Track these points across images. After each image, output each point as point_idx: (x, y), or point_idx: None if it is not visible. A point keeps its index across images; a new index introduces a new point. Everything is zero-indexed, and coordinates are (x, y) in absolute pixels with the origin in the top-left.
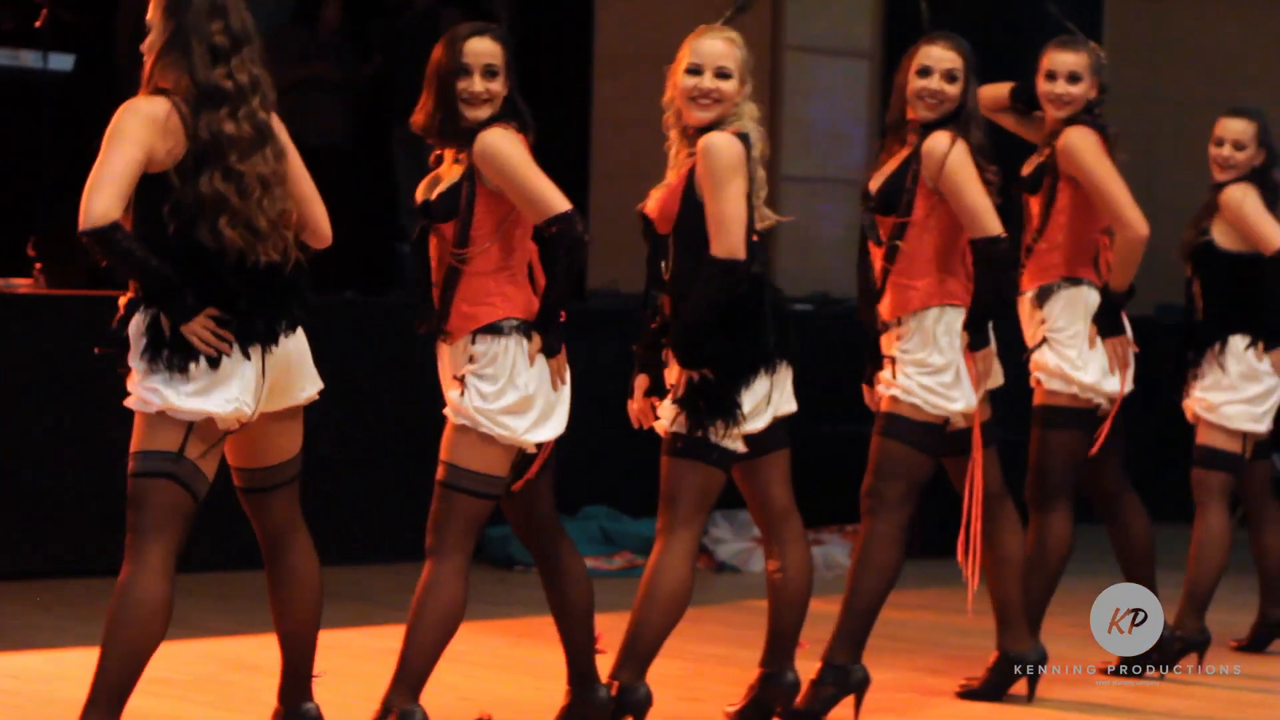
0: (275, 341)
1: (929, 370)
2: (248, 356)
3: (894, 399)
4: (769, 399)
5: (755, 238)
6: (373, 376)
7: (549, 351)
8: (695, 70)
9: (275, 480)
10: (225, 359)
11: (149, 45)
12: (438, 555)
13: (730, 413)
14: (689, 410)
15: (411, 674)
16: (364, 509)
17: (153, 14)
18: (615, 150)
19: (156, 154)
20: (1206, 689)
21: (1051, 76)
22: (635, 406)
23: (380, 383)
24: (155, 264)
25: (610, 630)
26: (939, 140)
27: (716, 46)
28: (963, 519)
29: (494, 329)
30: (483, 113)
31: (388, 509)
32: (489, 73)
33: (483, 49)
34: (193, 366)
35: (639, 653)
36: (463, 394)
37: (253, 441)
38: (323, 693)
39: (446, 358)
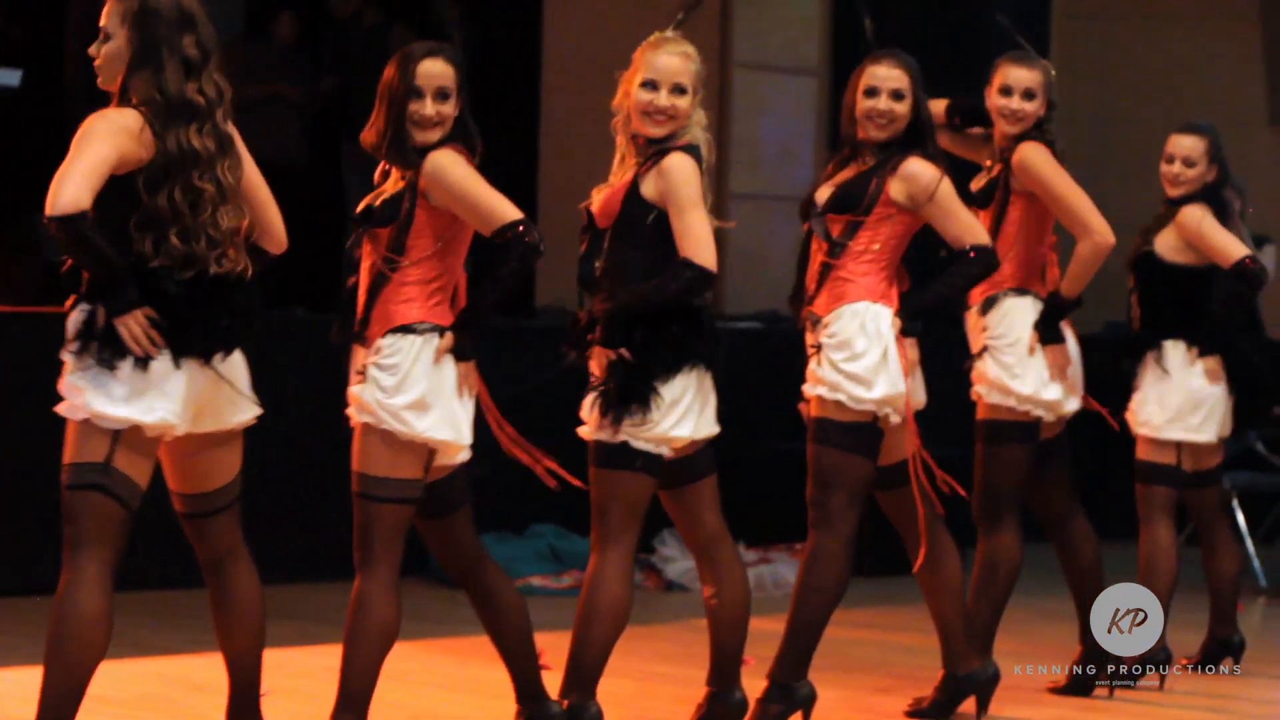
0: (208, 358)
1: (851, 357)
2: (178, 366)
3: (820, 400)
4: (694, 409)
5: None
6: (319, 393)
7: (460, 354)
8: (651, 86)
9: (216, 505)
10: (155, 366)
11: (113, 55)
12: (365, 570)
13: (646, 398)
14: (605, 395)
15: (354, 694)
16: (309, 526)
17: (115, 24)
18: (563, 167)
19: (127, 159)
20: (1155, 708)
21: (1007, 91)
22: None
23: (326, 399)
24: (112, 256)
25: (559, 648)
26: (925, 170)
27: (673, 63)
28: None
29: (406, 328)
30: (433, 135)
31: (333, 526)
32: (441, 95)
33: (435, 71)
34: (120, 364)
35: (584, 671)
36: (363, 385)
37: (191, 466)
38: (270, 711)
39: (357, 358)
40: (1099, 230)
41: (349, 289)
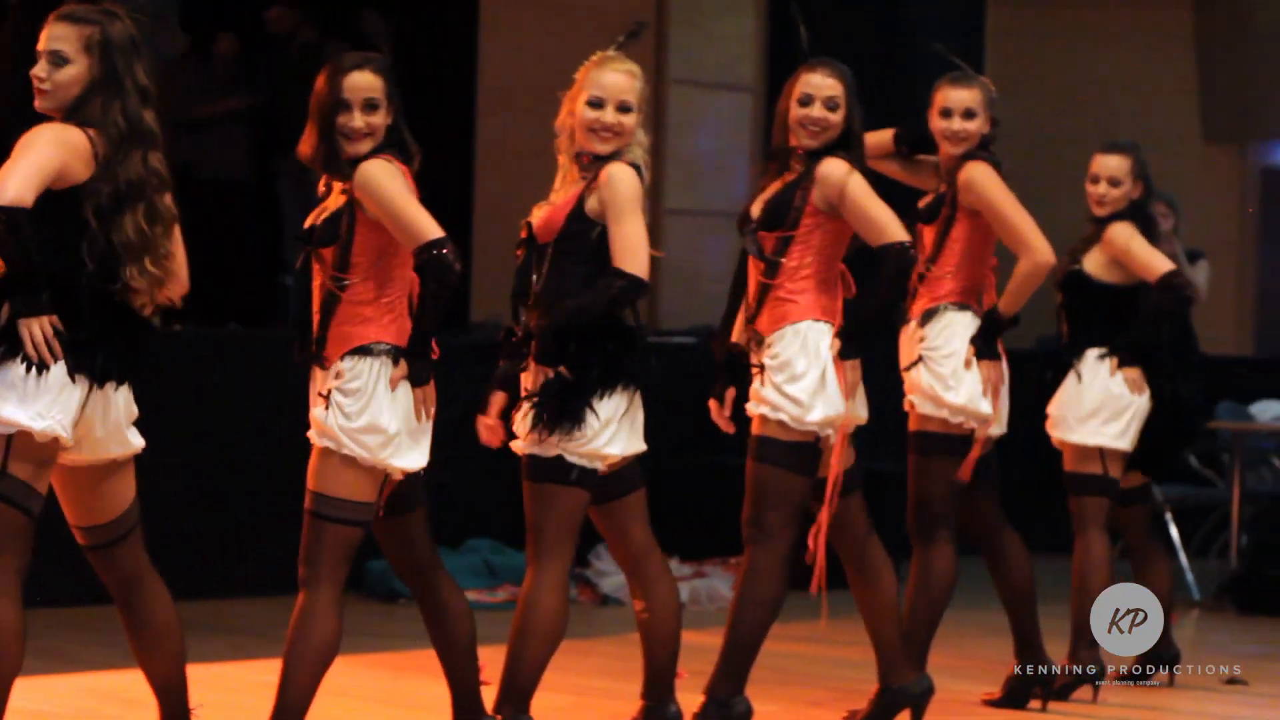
0: (103, 382)
1: (792, 378)
2: (73, 380)
3: (763, 419)
4: (625, 427)
5: None
6: (251, 408)
7: (416, 380)
8: (598, 104)
9: (116, 534)
10: (50, 375)
11: (70, 80)
12: (310, 586)
13: (580, 415)
14: (540, 410)
15: (289, 709)
16: (241, 542)
17: (75, 50)
18: (499, 184)
19: (68, 174)
20: None
21: (947, 113)
22: (487, 421)
23: (259, 414)
24: (37, 260)
25: (494, 663)
26: (835, 166)
27: (620, 81)
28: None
29: (364, 350)
30: (363, 146)
31: (264, 541)
32: (369, 107)
33: (363, 83)
34: (11, 365)
35: (519, 686)
36: (326, 410)
37: (87, 499)
38: None
39: (317, 380)
40: (1040, 249)
41: (304, 310)
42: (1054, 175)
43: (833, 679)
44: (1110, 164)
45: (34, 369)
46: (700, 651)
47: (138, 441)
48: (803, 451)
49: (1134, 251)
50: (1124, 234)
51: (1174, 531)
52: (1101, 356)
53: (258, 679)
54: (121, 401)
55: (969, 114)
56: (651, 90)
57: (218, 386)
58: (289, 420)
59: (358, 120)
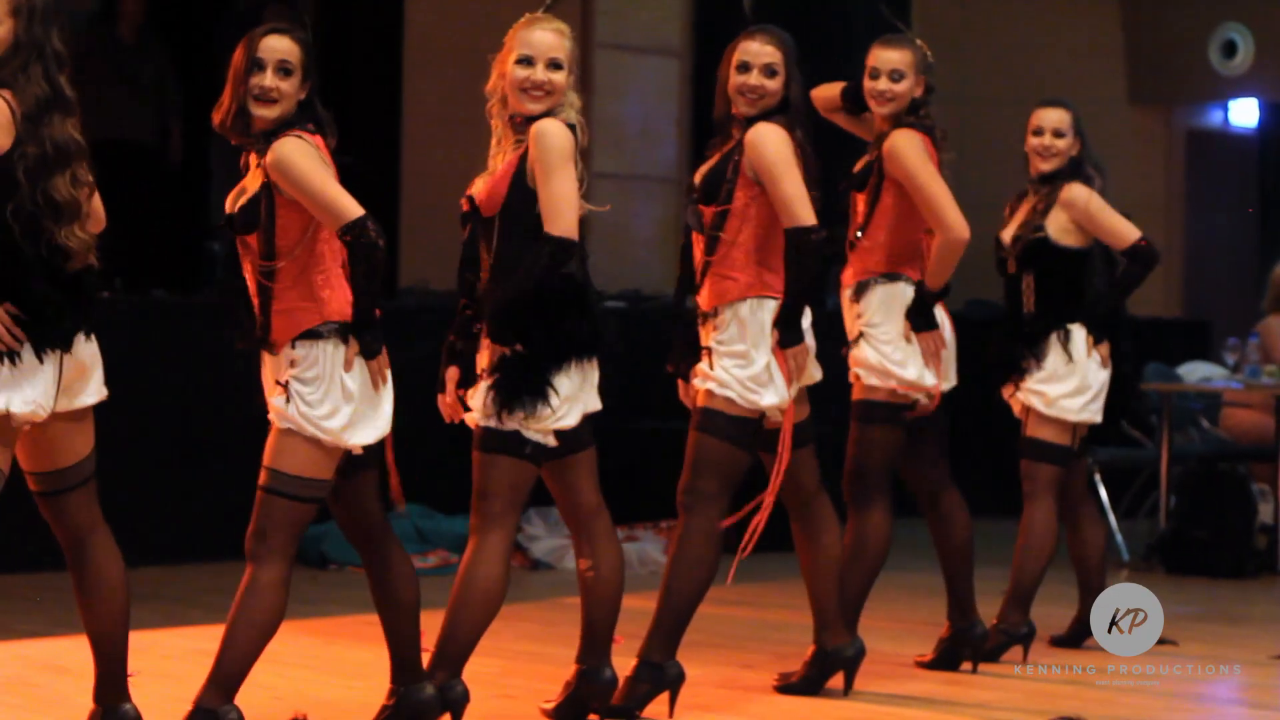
0: (69, 348)
1: (743, 363)
2: (41, 361)
3: (710, 393)
4: (580, 394)
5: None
6: (181, 374)
7: (367, 354)
8: (527, 61)
9: (70, 482)
10: (21, 360)
11: None
12: (259, 560)
13: (542, 392)
14: (499, 389)
15: (226, 676)
16: (174, 508)
17: (3, 12)
18: (426, 148)
19: None
20: (1020, 681)
21: (875, 74)
22: (446, 400)
23: (189, 381)
24: None
25: (426, 629)
26: (761, 131)
27: (548, 39)
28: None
29: (313, 334)
30: (272, 112)
31: (198, 508)
32: (282, 70)
33: (279, 46)
34: None
35: (454, 651)
36: (287, 400)
37: (44, 444)
38: (138, 693)
39: (269, 365)
40: (951, 226)
41: (236, 292)
42: (979, 138)
43: (767, 642)
44: (1053, 116)
45: (6, 358)
46: (633, 615)
47: (103, 391)
48: (746, 426)
49: (1098, 216)
50: (1082, 195)
51: (1103, 493)
52: (1083, 334)
53: (191, 645)
54: (90, 351)
55: (896, 75)
56: (579, 55)
57: (144, 354)
58: (217, 386)
59: (269, 80)
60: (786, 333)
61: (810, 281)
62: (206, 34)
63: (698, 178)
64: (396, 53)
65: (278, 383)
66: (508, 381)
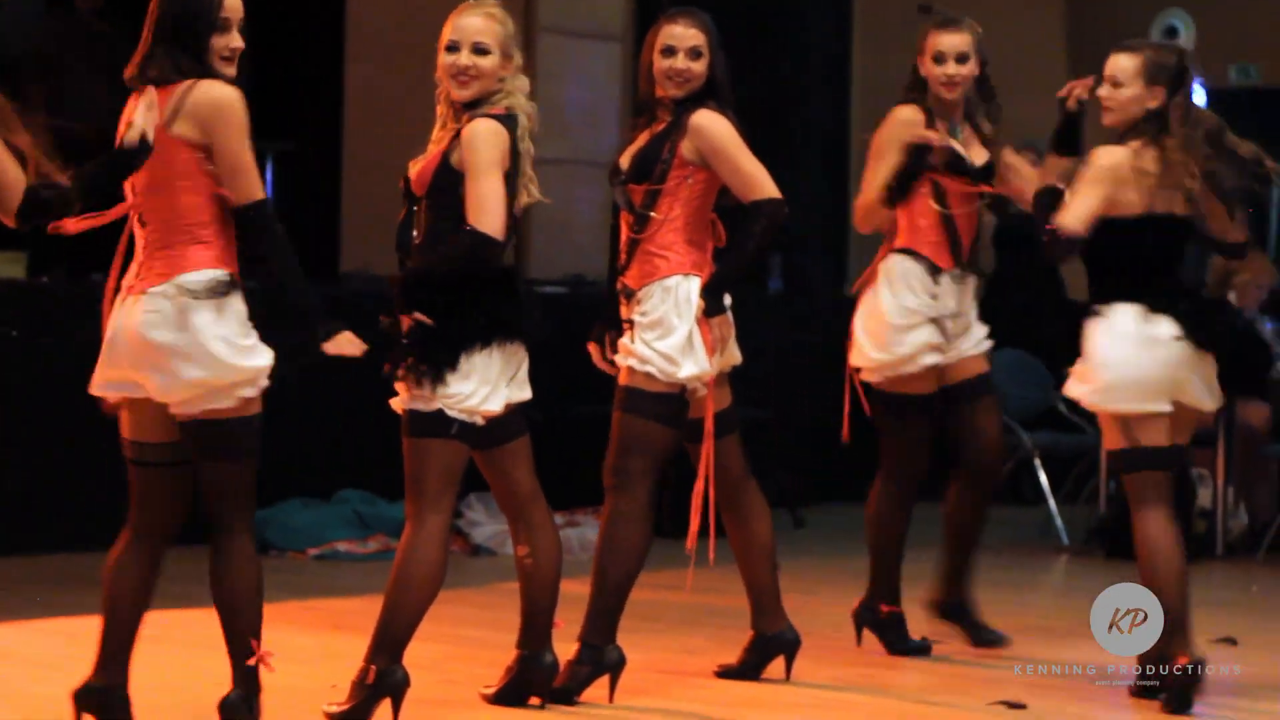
0: None
1: (662, 335)
2: None
3: (630, 370)
4: (504, 380)
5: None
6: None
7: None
8: (453, 47)
9: None
10: None
11: None
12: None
13: (450, 362)
14: (405, 357)
15: (394, 638)
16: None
17: None
18: (368, 133)
19: None
20: (948, 665)
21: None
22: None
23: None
24: None
25: (369, 614)
26: (707, 117)
27: (475, 23)
28: (695, 503)
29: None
30: (232, 70)
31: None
32: (244, 31)
33: (241, 7)
34: None
35: (393, 636)
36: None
37: None
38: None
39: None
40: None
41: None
42: None
43: (707, 627)
44: (955, 40)
45: None
46: (574, 600)
47: None
48: (668, 403)
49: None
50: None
51: (1043, 477)
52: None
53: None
54: None
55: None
56: (521, 39)
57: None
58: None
59: (236, 41)
60: (713, 300)
61: (758, 255)
62: None
63: (626, 159)
64: (339, 38)
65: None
66: (413, 351)
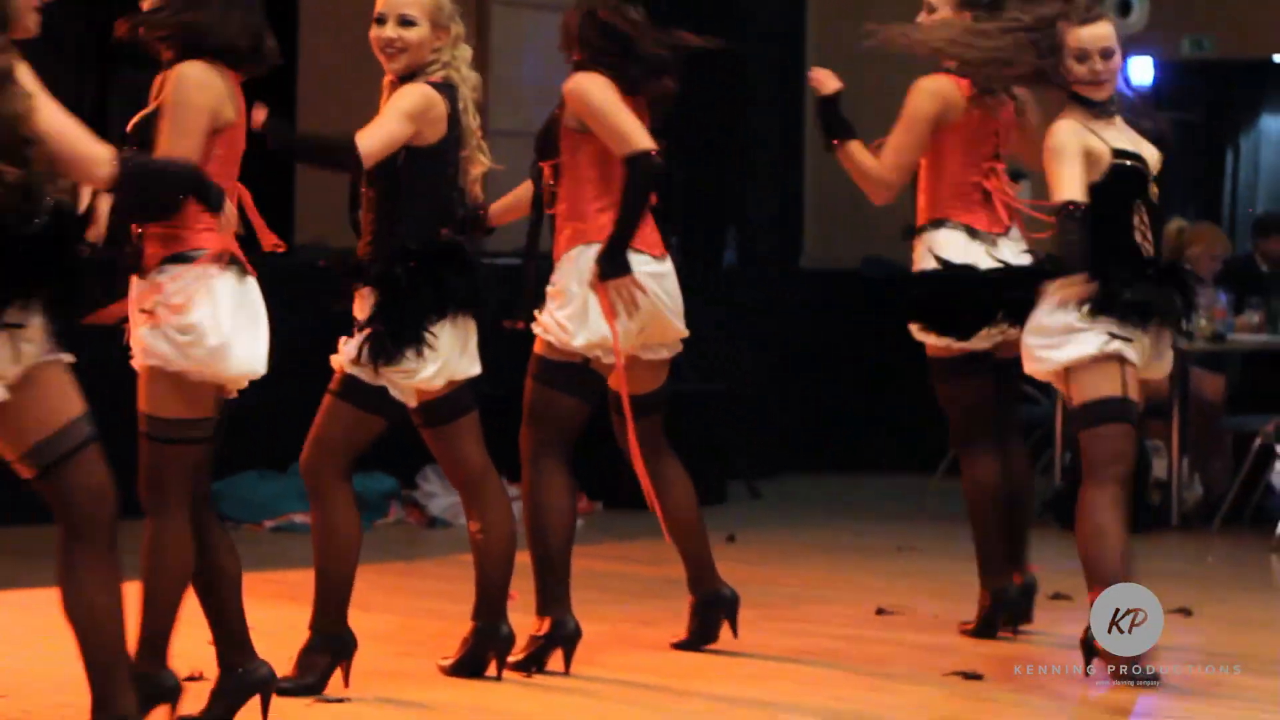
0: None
1: (562, 304)
2: None
3: (539, 338)
4: (454, 354)
5: (463, 187)
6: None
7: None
8: (380, 20)
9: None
10: None
11: None
12: (158, 511)
13: (417, 341)
14: (375, 338)
15: (155, 634)
16: None
17: None
18: (321, 106)
19: None
20: (907, 636)
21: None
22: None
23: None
24: None
25: (306, 584)
26: (574, 81)
27: None
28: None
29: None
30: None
31: None
32: None
33: None
34: None
35: (333, 602)
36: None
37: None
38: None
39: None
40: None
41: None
42: (886, 108)
43: (662, 598)
44: (1098, 34)
45: None
46: (529, 572)
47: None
48: (569, 372)
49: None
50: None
51: None
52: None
53: None
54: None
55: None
56: (474, 11)
57: None
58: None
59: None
60: (607, 264)
61: (641, 210)
62: None
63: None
64: (292, 8)
65: (143, 310)
66: (384, 330)
